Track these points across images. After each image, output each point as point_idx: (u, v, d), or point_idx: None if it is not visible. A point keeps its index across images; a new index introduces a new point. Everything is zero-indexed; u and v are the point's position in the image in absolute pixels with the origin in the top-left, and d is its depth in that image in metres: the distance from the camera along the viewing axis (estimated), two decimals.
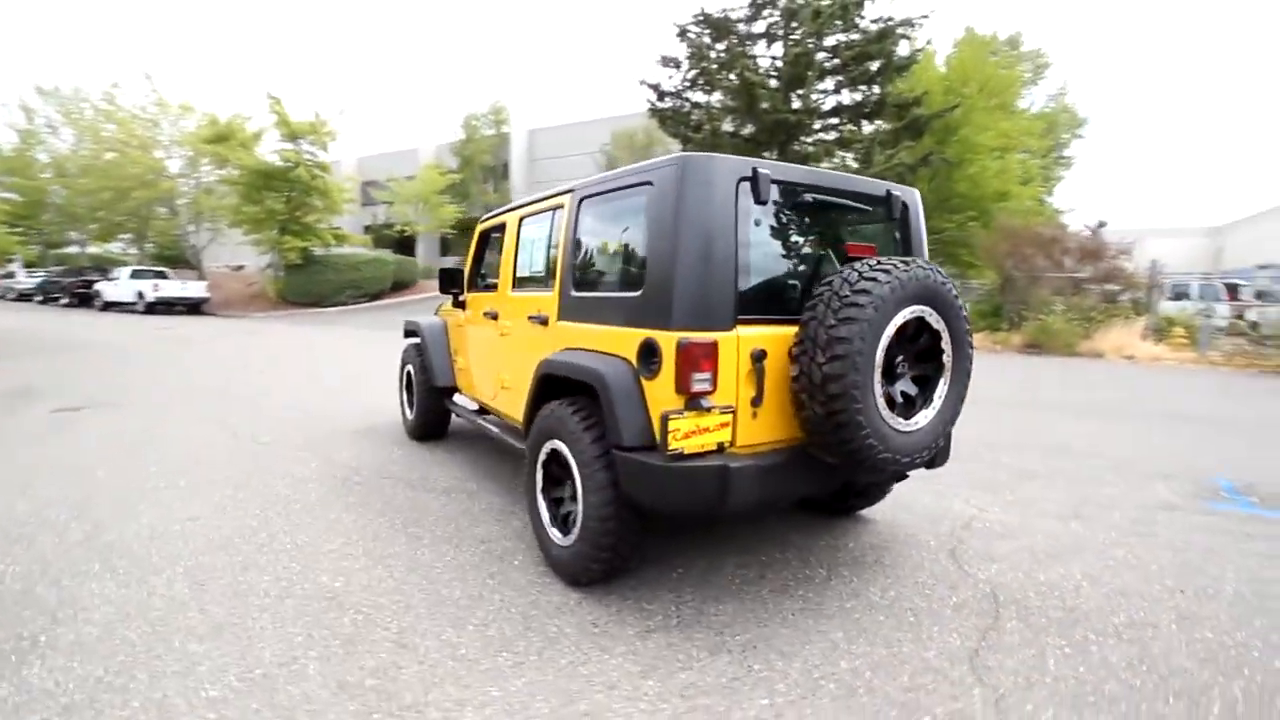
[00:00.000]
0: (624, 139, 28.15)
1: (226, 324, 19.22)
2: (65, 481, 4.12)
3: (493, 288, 4.03)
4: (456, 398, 4.98)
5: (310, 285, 23.66)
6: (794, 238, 2.81)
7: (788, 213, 2.71)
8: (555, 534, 2.87)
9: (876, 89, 18.00)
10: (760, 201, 2.48)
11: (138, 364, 9.85)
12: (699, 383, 2.31)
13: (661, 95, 19.29)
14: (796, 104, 17.82)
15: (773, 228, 2.67)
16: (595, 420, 2.62)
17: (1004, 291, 15.31)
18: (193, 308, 22.70)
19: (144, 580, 2.83)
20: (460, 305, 4.52)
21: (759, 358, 2.42)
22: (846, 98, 18.46)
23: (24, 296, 27.64)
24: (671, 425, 2.26)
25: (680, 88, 19.20)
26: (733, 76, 17.52)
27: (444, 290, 4.56)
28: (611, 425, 2.46)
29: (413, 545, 3.22)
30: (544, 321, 3.20)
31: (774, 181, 2.51)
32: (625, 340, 2.55)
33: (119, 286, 22.32)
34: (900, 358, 2.49)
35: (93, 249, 33.31)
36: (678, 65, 18.89)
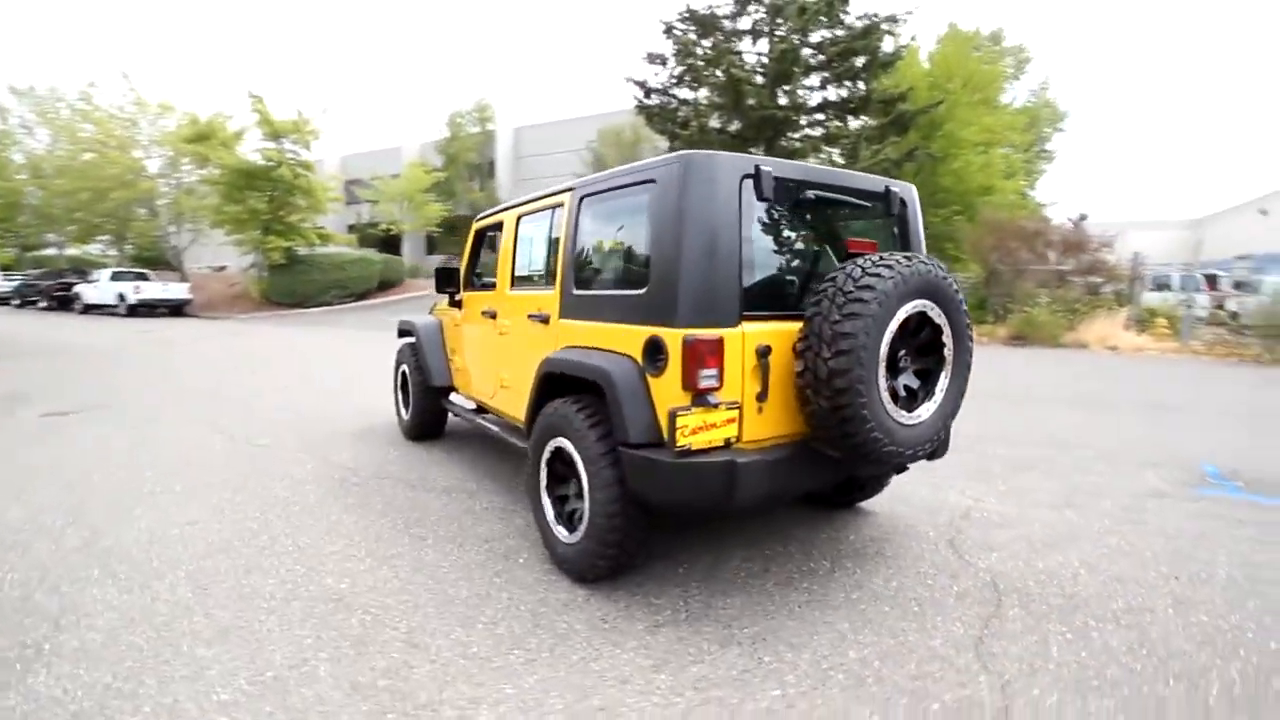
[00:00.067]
0: (611, 136, 28.09)
1: (210, 326, 19.00)
2: (58, 486, 4.07)
3: (490, 286, 4.02)
4: (453, 397, 4.97)
5: (295, 285, 23.40)
6: (795, 234, 2.83)
7: (789, 209, 2.74)
8: (561, 532, 2.88)
9: (862, 85, 18.08)
10: (763, 198, 2.50)
11: (124, 367, 9.72)
12: (705, 379, 2.32)
13: (648, 92, 19.27)
14: (783, 100, 17.87)
15: (775, 224, 2.69)
16: (600, 418, 2.63)
17: (989, 284, 15.47)
18: (175, 310, 22.39)
19: (146, 585, 2.80)
20: (456, 304, 4.51)
21: (763, 353, 2.44)
22: (832, 94, 18.54)
23: (1, 300, 27.14)
24: (679, 422, 2.28)
25: (667, 84, 19.18)
26: (719, 73, 17.52)
27: (440, 289, 4.54)
28: (618, 423, 2.47)
29: (416, 545, 3.22)
30: (545, 320, 3.20)
31: (776, 178, 2.53)
32: (630, 338, 2.56)
33: (99, 289, 21.98)
34: (903, 352, 2.52)
35: (71, 251, 32.75)
36: (664, 62, 18.88)
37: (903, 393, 2.53)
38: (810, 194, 2.73)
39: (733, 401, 2.38)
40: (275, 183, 22.42)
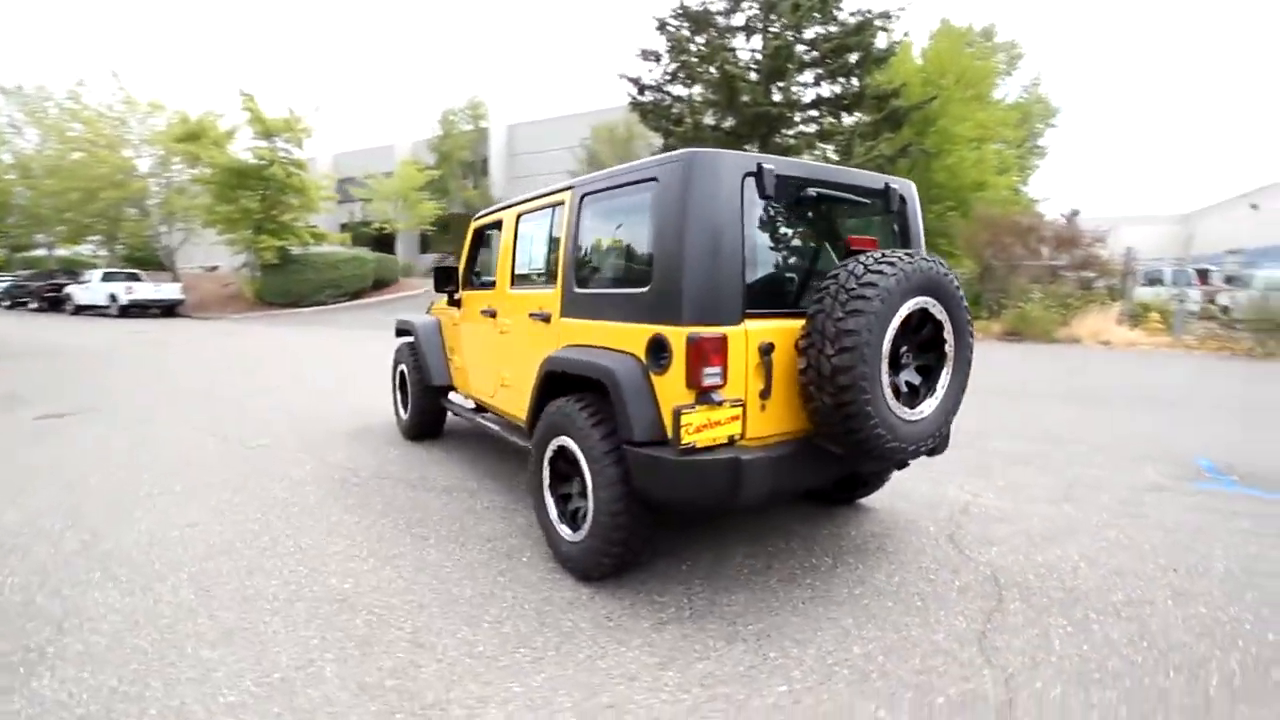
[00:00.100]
0: (604, 133, 28.02)
1: (204, 326, 18.90)
2: (56, 489, 4.04)
3: (490, 285, 4.02)
4: (452, 396, 4.96)
5: (288, 285, 23.31)
6: (797, 231, 2.84)
7: (791, 207, 2.74)
8: (564, 530, 2.88)
9: (855, 81, 18.11)
10: (765, 196, 2.51)
11: (118, 368, 9.67)
12: (710, 377, 2.33)
13: (642, 89, 19.25)
14: (777, 97, 17.88)
15: (776, 222, 2.70)
16: (603, 416, 2.64)
17: (983, 280, 15.54)
18: (167, 310, 22.29)
19: (148, 588, 2.79)
20: (455, 303, 4.50)
21: (766, 351, 2.45)
22: (826, 90, 18.56)
23: None
24: (684, 420, 2.28)
25: (661, 81, 19.16)
26: (713, 70, 17.51)
27: (439, 288, 4.53)
28: (623, 421, 2.47)
29: (419, 545, 3.22)
30: (546, 319, 3.20)
31: (778, 176, 2.53)
32: (633, 336, 2.57)
33: (90, 290, 21.85)
34: (904, 348, 2.53)
35: (61, 252, 32.51)
36: (658, 59, 18.85)
37: (904, 389, 2.54)
38: (811, 192, 2.74)
39: (736, 399, 2.39)
40: (267, 181, 22.32)
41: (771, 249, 2.73)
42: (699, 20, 18.39)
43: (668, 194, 2.48)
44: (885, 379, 2.37)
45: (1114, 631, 2.46)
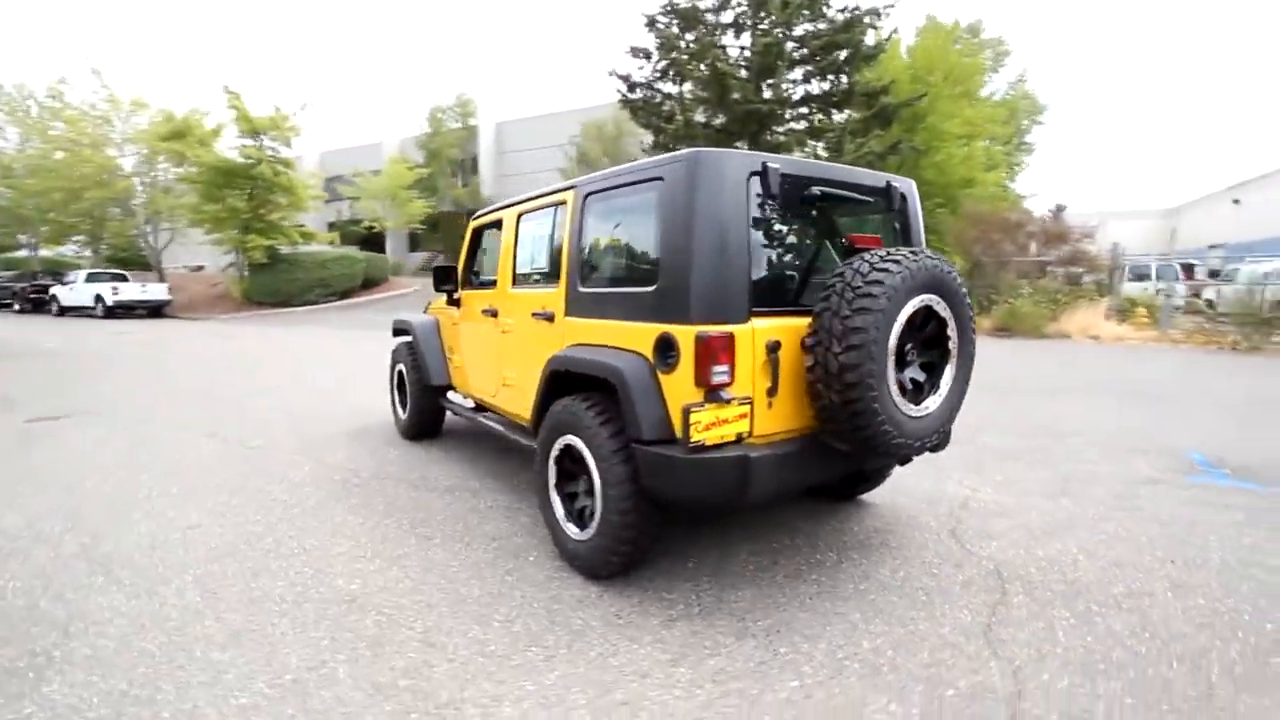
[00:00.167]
0: (593, 130, 27.99)
1: (192, 327, 18.72)
2: (53, 492, 4.00)
3: (490, 285, 4.01)
4: (450, 395, 4.95)
5: (277, 285, 23.11)
6: (801, 230, 2.86)
7: (795, 206, 2.76)
8: (571, 529, 2.89)
9: (845, 78, 18.20)
10: (770, 196, 2.52)
11: (108, 370, 9.56)
12: (718, 375, 2.35)
13: (632, 86, 19.24)
14: (767, 94, 17.93)
15: (781, 221, 2.72)
16: (611, 415, 2.65)
17: (972, 276, 15.65)
18: (154, 311, 22.04)
19: (153, 591, 2.78)
20: (455, 303, 4.49)
21: (773, 349, 2.46)
22: (816, 87, 18.63)
23: None
24: (693, 418, 2.30)
25: (651, 78, 19.17)
26: (703, 67, 17.53)
27: (438, 287, 4.52)
28: (631, 420, 2.48)
29: (424, 545, 3.21)
30: (549, 318, 3.20)
31: (782, 175, 2.55)
32: (640, 335, 2.58)
33: (75, 291, 21.57)
34: (909, 345, 2.56)
35: (44, 252, 32.07)
36: (648, 56, 18.86)
37: (909, 386, 2.56)
38: (815, 190, 2.76)
39: (744, 397, 2.41)
40: (255, 180, 22.11)
41: (776, 247, 2.75)
42: (688, 17, 18.40)
43: (673, 193, 2.49)
44: (891, 376, 2.40)
45: (1116, 623, 2.50)
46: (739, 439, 2.42)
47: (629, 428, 2.51)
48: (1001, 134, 25.56)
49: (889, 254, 2.43)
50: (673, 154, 2.55)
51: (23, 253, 32.80)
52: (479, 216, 4.37)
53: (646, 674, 2.18)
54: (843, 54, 17.74)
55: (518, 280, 3.69)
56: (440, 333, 4.91)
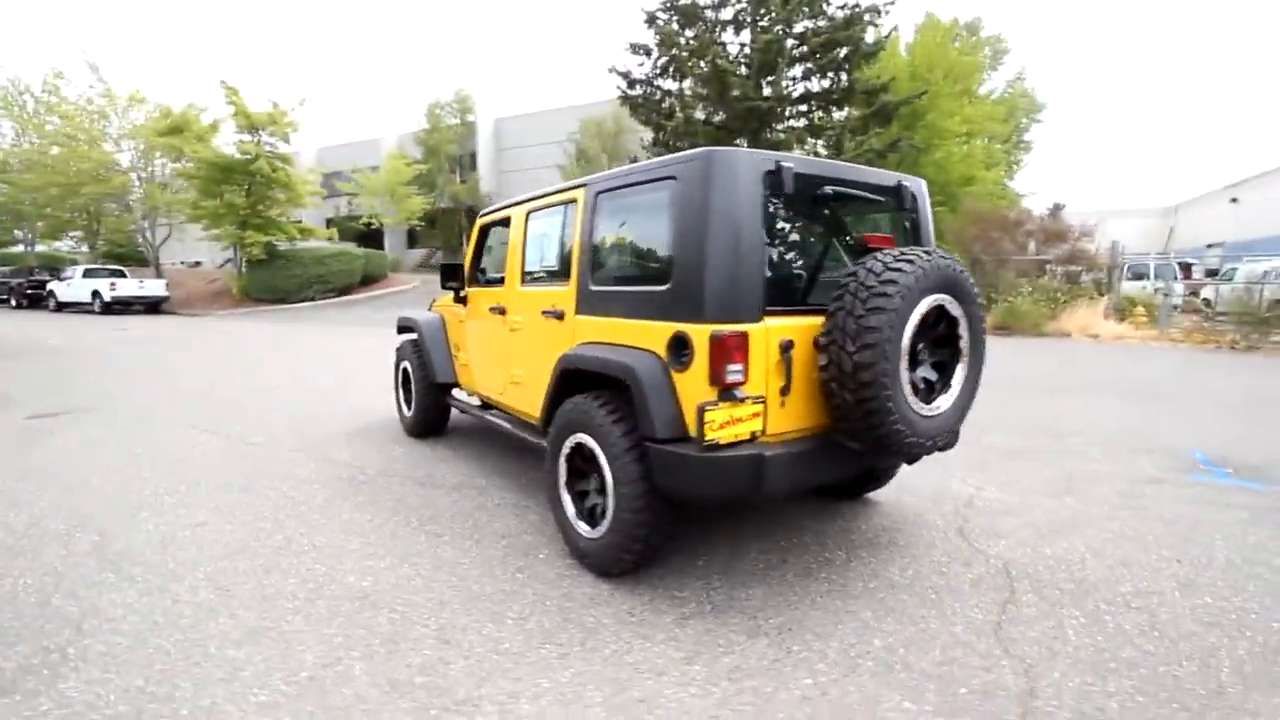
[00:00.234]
0: (592, 127, 27.95)
1: (190, 323, 18.68)
2: (57, 490, 4.00)
3: (498, 282, 4.01)
4: (456, 393, 4.96)
5: (275, 281, 23.04)
6: (814, 229, 2.87)
7: (807, 205, 2.77)
8: (583, 527, 2.90)
9: (845, 76, 18.20)
10: (783, 195, 2.53)
11: (107, 367, 9.53)
12: (732, 374, 2.35)
13: (632, 83, 19.23)
14: (767, 91, 17.93)
15: (793, 220, 2.73)
16: (623, 413, 2.65)
17: (972, 274, 15.57)
18: (152, 307, 22.01)
19: (164, 588, 2.78)
20: (461, 300, 4.49)
21: (786, 348, 2.47)
22: (816, 85, 18.63)
23: None
24: (707, 416, 2.31)
25: (651, 75, 19.15)
26: (703, 64, 17.52)
27: (445, 285, 4.52)
28: (644, 418, 2.49)
29: (433, 543, 3.22)
30: (560, 316, 3.21)
31: (795, 174, 2.55)
32: (653, 333, 2.58)
33: (73, 287, 21.50)
34: (920, 345, 2.57)
35: (40, 248, 31.96)
36: (648, 53, 18.84)
37: (921, 385, 2.58)
38: (827, 190, 2.76)
39: (758, 396, 2.42)
40: (252, 176, 22.01)
41: (789, 246, 2.76)
42: (688, 14, 18.39)
43: (687, 192, 2.50)
44: (904, 375, 2.41)
45: (1125, 622, 2.52)
46: (752, 437, 2.43)
47: (642, 426, 2.51)
48: (1000, 132, 25.62)
49: (903, 253, 2.44)
50: (687, 153, 2.55)
51: (19, 248, 32.67)
52: (486, 214, 4.37)
53: (662, 671, 2.19)
54: (843, 51, 17.74)
55: (526, 278, 3.70)
56: (446, 330, 4.91)
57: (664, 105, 19.08)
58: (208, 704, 2.03)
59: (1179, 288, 15.46)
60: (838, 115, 18.72)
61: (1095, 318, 13.33)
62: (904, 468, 3.77)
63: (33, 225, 29.26)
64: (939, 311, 2.54)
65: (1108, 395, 7.34)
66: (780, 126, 18.56)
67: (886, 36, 18.64)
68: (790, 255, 2.78)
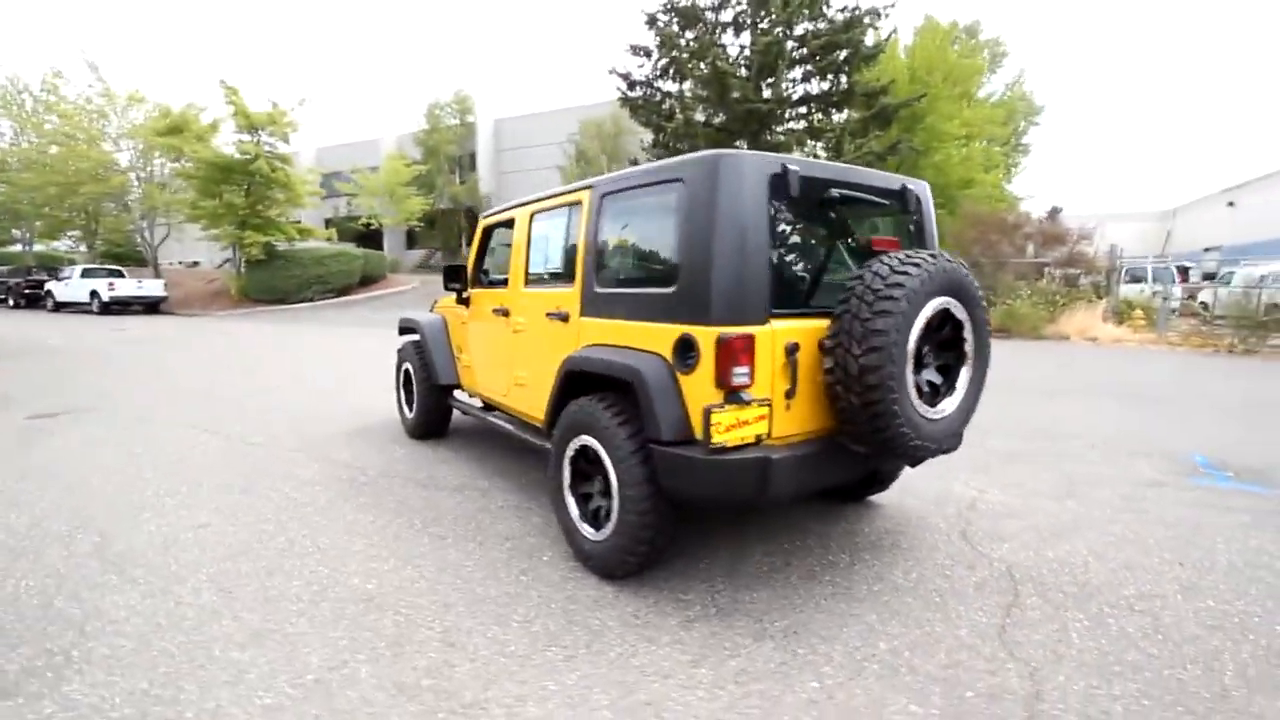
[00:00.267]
0: (592, 128, 27.97)
1: (189, 323, 18.65)
2: (57, 491, 3.99)
3: (501, 284, 4.01)
4: (457, 394, 4.96)
5: (274, 281, 23.02)
6: (819, 232, 2.87)
7: (813, 208, 2.77)
8: (587, 529, 2.90)
9: (844, 78, 18.23)
10: (789, 197, 2.53)
11: (106, 367, 9.51)
12: (738, 377, 2.36)
13: (632, 85, 19.25)
14: (767, 93, 17.95)
15: (799, 223, 2.73)
16: (628, 415, 2.65)
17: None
18: (150, 307, 21.97)
19: (168, 590, 2.77)
20: (464, 302, 4.48)
21: (792, 351, 2.47)
22: (815, 87, 18.67)
23: None
24: (714, 419, 2.31)
25: (651, 77, 19.16)
26: (703, 66, 17.54)
27: (447, 286, 4.52)
28: (650, 421, 2.49)
29: (437, 545, 3.22)
30: (564, 318, 3.21)
31: (801, 177, 2.55)
32: (659, 336, 2.58)
33: (71, 286, 21.45)
34: (926, 347, 2.57)
35: (38, 247, 31.89)
36: (648, 54, 18.85)
37: (926, 388, 2.58)
38: (833, 193, 2.77)
39: (763, 398, 2.42)
40: (252, 176, 21.99)
41: (794, 249, 2.76)
42: (688, 16, 18.41)
43: (694, 194, 2.50)
44: (910, 378, 2.41)
45: (1129, 625, 2.52)
46: (757, 440, 2.43)
47: (648, 428, 2.51)
48: (999, 135, 25.68)
49: (909, 257, 2.44)
50: (694, 155, 2.56)
51: (17, 247, 32.60)
52: (489, 215, 4.37)
53: (668, 675, 2.19)
54: (842, 54, 17.77)
55: (530, 280, 3.69)
56: (448, 331, 4.90)
57: (664, 107, 19.10)
58: (213, 707, 2.03)
59: (1177, 291, 15.50)
60: (837, 117, 18.75)
61: (1093, 321, 13.36)
62: (906, 470, 3.78)
63: (31, 225, 29.18)
64: (944, 315, 2.54)
65: (1107, 398, 7.35)
66: (780, 129, 18.57)
67: (886, 39, 18.68)
68: (795, 258, 2.79)
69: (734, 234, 2.41)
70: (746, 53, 18.32)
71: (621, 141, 26.86)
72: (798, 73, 18.43)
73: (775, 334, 2.45)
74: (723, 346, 2.34)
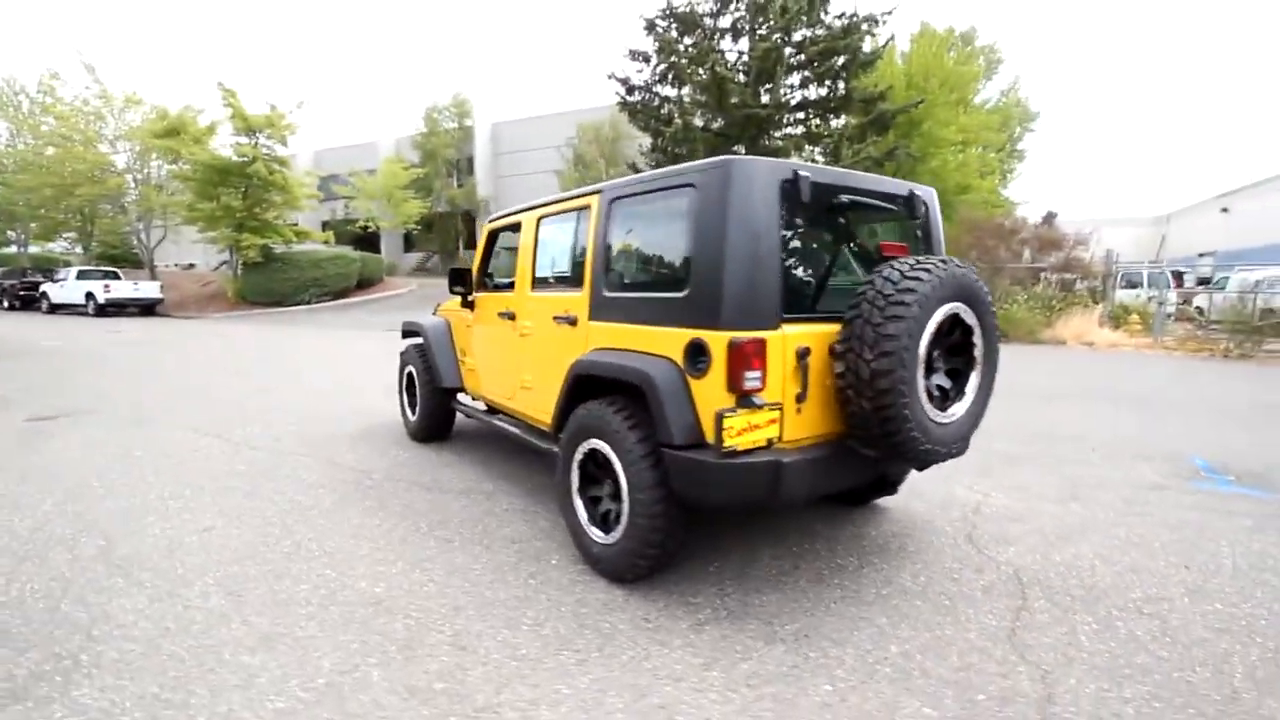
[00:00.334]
0: (590, 132, 28.04)
1: (185, 326, 18.59)
2: (59, 495, 3.96)
3: (507, 287, 4.01)
4: (460, 397, 4.95)
5: (271, 284, 22.96)
6: (829, 237, 2.88)
7: (823, 213, 2.79)
8: (596, 533, 2.90)
9: (842, 84, 18.30)
10: (800, 203, 2.54)
11: (103, 369, 9.47)
12: (750, 381, 2.36)
13: (631, 89, 19.29)
14: (765, 99, 18.01)
15: (809, 228, 2.74)
16: (638, 419, 2.66)
17: None
18: (146, 309, 21.88)
19: (175, 593, 2.76)
20: (468, 305, 4.48)
21: (803, 355, 2.48)
22: (813, 93, 18.73)
23: None
24: (726, 423, 2.31)
25: (650, 82, 19.21)
26: (702, 71, 17.59)
27: (452, 290, 4.52)
28: (661, 425, 2.49)
29: (444, 548, 3.21)
30: (572, 322, 3.21)
31: (812, 183, 2.57)
32: (670, 340, 2.59)
33: (66, 288, 21.37)
34: (936, 352, 2.58)
35: (33, 249, 31.75)
36: (647, 59, 18.90)
37: (935, 392, 2.59)
38: (843, 198, 2.78)
39: (775, 402, 2.43)
40: (249, 178, 21.96)
41: (805, 254, 2.77)
42: (687, 22, 18.46)
43: (706, 199, 2.51)
44: (921, 383, 2.42)
45: (1137, 628, 2.54)
46: (768, 444, 2.43)
47: (660, 433, 2.52)
48: (995, 141, 25.79)
49: (920, 262, 2.46)
50: (705, 161, 2.57)
51: (12, 249, 32.45)
52: (495, 219, 4.37)
53: (680, 678, 2.19)
54: (840, 60, 17.84)
55: (537, 284, 3.69)
56: (452, 335, 4.90)
57: (663, 112, 19.14)
58: (224, 711, 2.02)
59: (1172, 296, 15.59)
60: (835, 123, 18.82)
61: (1090, 325, 13.43)
62: (910, 474, 3.79)
63: (26, 226, 29.05)
64: (954, 320, 2.56)
65: (1105, 403, 7.39)
66: (778, 134, 18.63)
67: (883, 46, 18.77)
68: (806, 263, 2.80)
69: (746, 239, 2.42)
70: (745, 58, 18.38)
71: (619, 146, 26.92)
72: (796, 78, 18.51)
73: (787, 338, 2.46)
74: (735, 351, 2.35)
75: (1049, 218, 18.29)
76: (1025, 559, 3.14)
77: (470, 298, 4.45)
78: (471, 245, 32.60)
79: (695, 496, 2.51)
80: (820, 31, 17.99)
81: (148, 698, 2.09)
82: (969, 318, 2.58)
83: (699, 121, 18.63)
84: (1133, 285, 16.95)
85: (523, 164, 32.14)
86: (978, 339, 2.65)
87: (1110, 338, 13.01)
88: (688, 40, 18.61)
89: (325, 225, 31.62)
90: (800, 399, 2.51)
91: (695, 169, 2.59)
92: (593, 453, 2.89)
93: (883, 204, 2.98)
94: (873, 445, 2.52)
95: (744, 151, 17.34)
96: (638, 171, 18.20)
